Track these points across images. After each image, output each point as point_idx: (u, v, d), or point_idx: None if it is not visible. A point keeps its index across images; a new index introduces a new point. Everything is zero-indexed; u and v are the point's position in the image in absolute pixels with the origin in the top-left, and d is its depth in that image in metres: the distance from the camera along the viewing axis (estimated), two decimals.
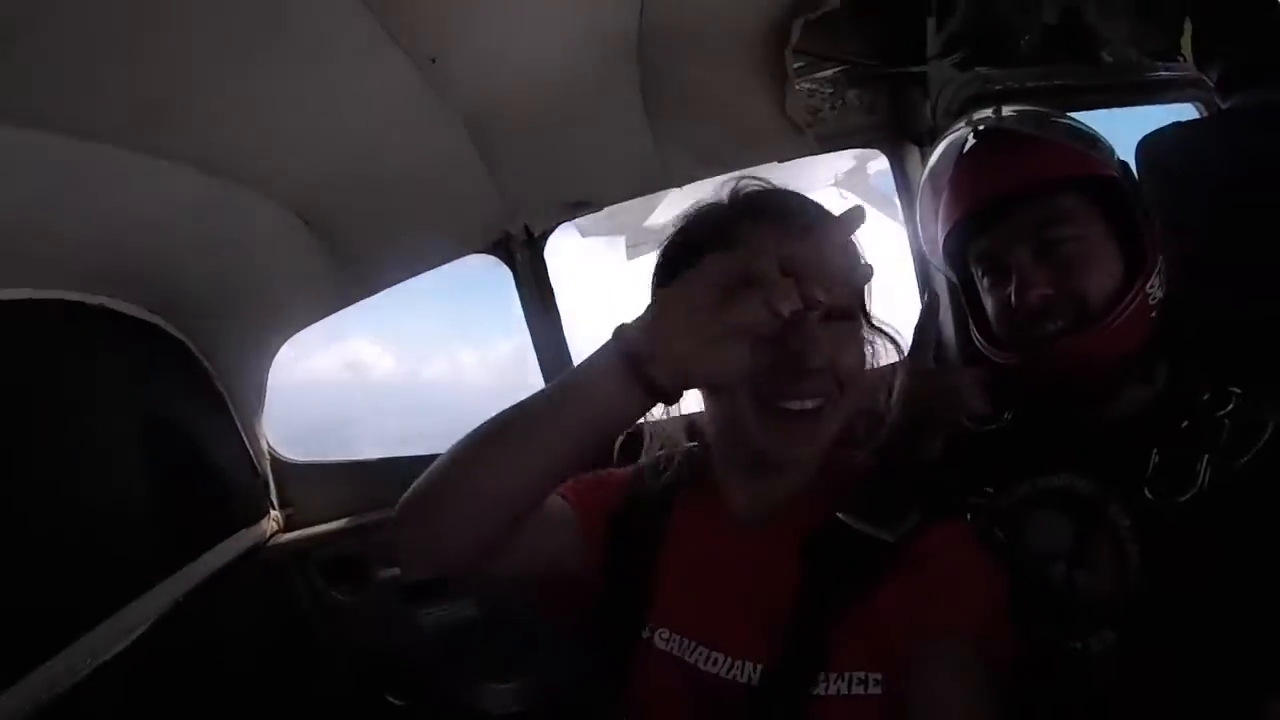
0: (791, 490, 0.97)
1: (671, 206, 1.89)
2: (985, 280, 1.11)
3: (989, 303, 1.12)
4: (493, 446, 0.77)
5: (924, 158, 1.74)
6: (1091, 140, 1.07)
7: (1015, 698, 0.85)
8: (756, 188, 0.99)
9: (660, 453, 1.08)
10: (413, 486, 0.80)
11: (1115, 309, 1.01)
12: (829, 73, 1.75)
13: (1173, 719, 0.94)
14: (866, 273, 0.88)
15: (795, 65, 1.62)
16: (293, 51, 1.02)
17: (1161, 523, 0.98)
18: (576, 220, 1.83)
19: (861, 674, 0.84)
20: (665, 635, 0.96)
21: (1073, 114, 1.12)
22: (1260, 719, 0.82)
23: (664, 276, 0.99)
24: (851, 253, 0.90)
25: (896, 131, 1.80)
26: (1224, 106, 1.64)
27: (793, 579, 0.89)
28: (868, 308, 0.99)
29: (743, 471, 0.99)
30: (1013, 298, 1.04)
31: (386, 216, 1.58)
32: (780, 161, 1.73)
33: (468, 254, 1.71)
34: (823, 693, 0.84)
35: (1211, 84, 1.69)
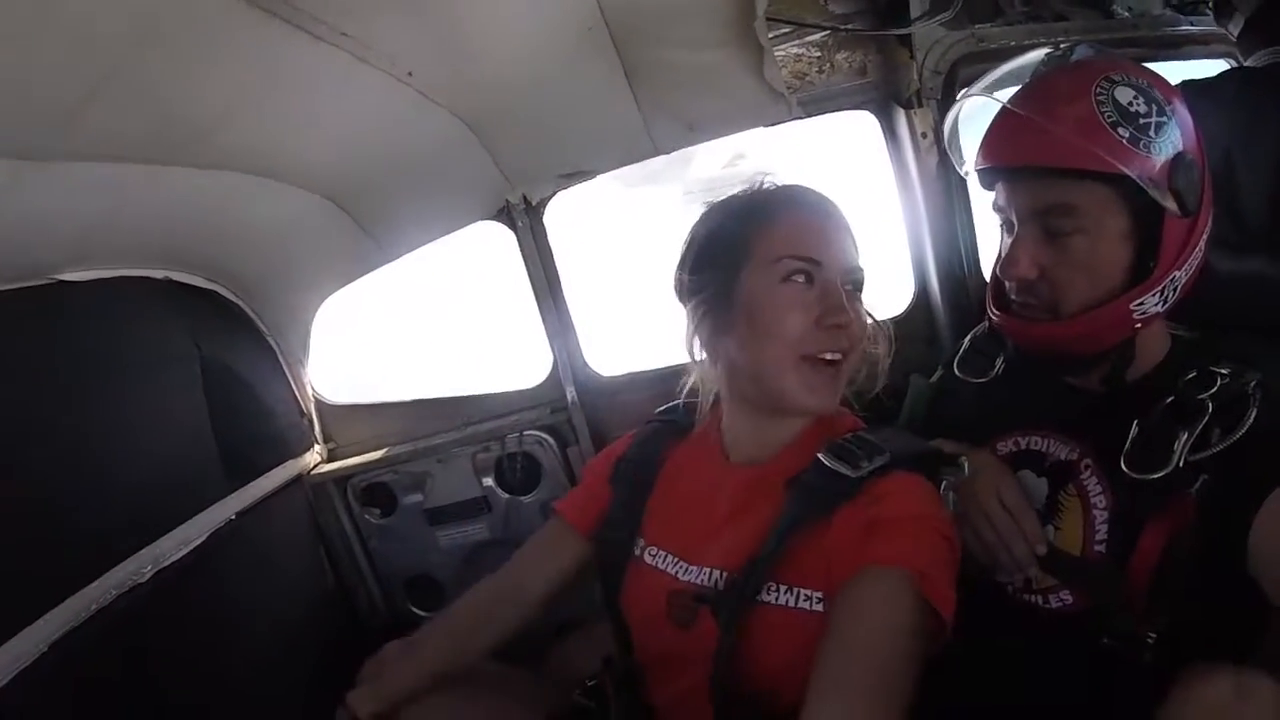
0: (788, 437, 1.12)
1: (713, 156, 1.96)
2: (1002, 229, 1.13)
3: (999, 248, 1.15)
4: None
5: (911, 121, 1.75)
6: (1142, 129, 0.98)
7: (972, 645, 0.93)
8: (779, 181, 1.15)
9: (676, 402, 1.27)
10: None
11: (1087, 314, 1.03)
12: (816, 37, 1.76)
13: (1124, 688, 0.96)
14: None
15: (774, 34, 1.65)
16: (300, 77, 1.20)
17: (1133, 496, 1.00)
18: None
19: (807, 591, 0.98)
20: (653, 551, 1.15)
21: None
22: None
23: (715, 253, 1.13)
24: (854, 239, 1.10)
25: (886, 94, 1.79)
26: (1244, 64, 1.56)
27: (772, 509, 1.03)
28: None
29: (750, 419, 1.15)
30: (1000, 265, 1.09)
31: (400, 194, 1.77)
32: (766, 127, 1.77)
33: (474, 222, 1.88)
34: (770, 600, 0.99)
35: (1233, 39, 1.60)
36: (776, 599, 0.99)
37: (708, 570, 1.08)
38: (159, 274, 1.67)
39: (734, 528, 1.08)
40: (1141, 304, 1.02)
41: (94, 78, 0.96)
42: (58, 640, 1.25)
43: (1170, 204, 0.98)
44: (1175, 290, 1.04)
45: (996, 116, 1.10)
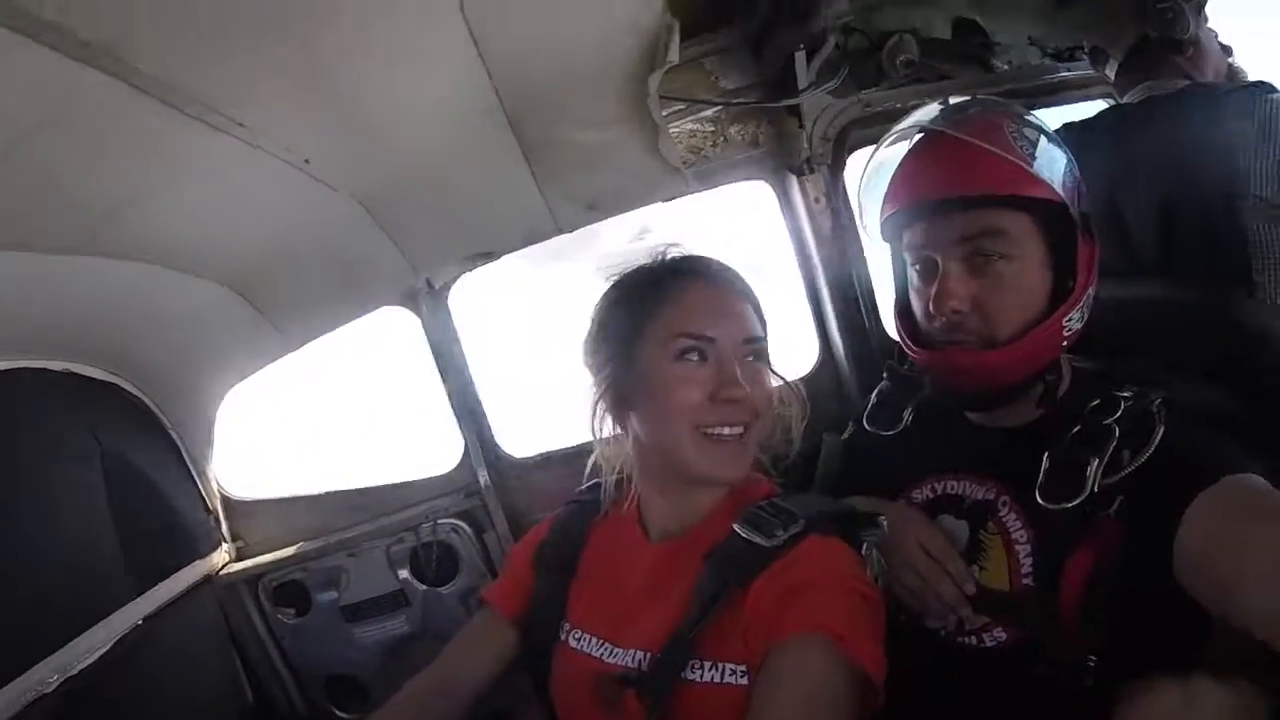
0: (704, 508, 1.11)
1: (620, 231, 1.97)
2: (915, 270, 1.15)
3: (914, 295, 1.16)
4: None
5: (803, 187, 1.77)
6: (1048, 157, 1.06)
7: (911, 693, 0.93)
8: (680, 253, 1.16)
9: (597, 480, 1.25)
10: None
11: (1024, 336, 1.05)
12: (709, 112, 1.80)
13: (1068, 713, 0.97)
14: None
15: (668, 111, 1.69)
16: (195, 166, 1.21)
17: (1052, 526, 1.01)
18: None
19: (732, 665, 0.95)
20: (578, 635, 1.12)
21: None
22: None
23: (610, 335, 1.14)
24: (755, 306, 1.11)
25: (779, 162, 1.82)
26: (1122, 100, 1.60)
27: (691, 584, 1.01)
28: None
29: (665, 492, 1.14)
30: (931, 302, 1.09)
31: (302, 281, 1.77)
32: (664, 202, 1.79)
33: (378, 308, 1.88)
34: (695, 678, 0.96)
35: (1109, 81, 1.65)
36: (701, 676, 0.97)
37: (632, 652, 1.05)
38: (58, 366, 1.63)
39: (654, 606, 1.06)
40: (1070, 320, 1.05)
41: None
42: None
43: (1080, 224, 1.06)
44: (1088, 308, 1.08)
45: (912, 159, 1.14)
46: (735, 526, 1.02)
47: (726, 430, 1.04)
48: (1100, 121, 1.53)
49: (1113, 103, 1.71)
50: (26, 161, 0.99)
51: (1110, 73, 1.62)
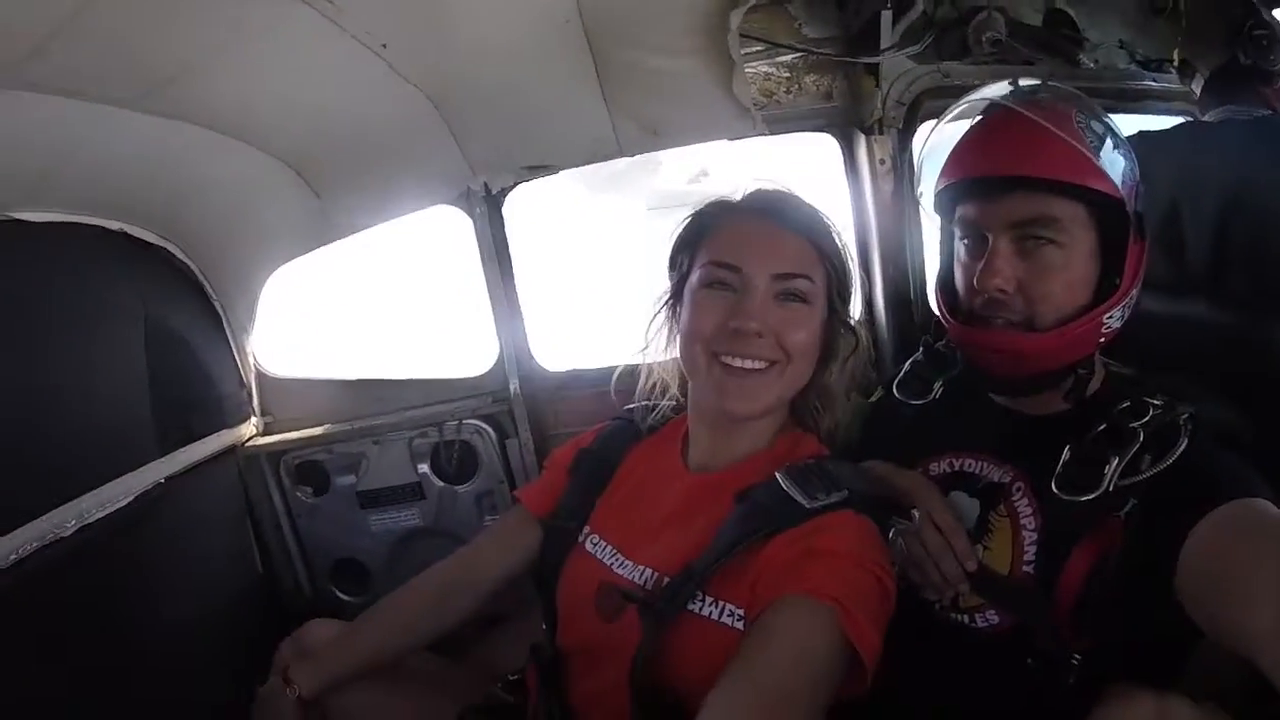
0: (745, 452, 1.13)
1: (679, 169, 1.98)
2: (964, 244, 1.15)
3: (959, 269, 1.16)
4: None
5: (870, 147, 1.78)
6: (1110, 153, 1.05)
7: (899, 662, 0.93)
8: (759, 188, 1.17)
9: (646, 402, 1.30)
10: None
11: (1062, 325, 1.05)
12: (787, 58, 1.79)
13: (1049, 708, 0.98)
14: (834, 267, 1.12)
15: (746, 50, 1.68)
16: (269, 35, 1.20)
17: (1061, 517, 1.02)
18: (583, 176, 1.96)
19: (732, 606, 0.98)
20: (595, 540, 1.16)
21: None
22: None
23: (676, 256, 1.19)
24: (810, 245, 1.10)
25: (849, 119, 1.82)
26: (1202, 118, 1.61)
27: (715, 519, 1.04)
28: (838, 301, 1.15)
29: (704, 425, 1.17)
30: (976, 277, 1.09)
31: (362, 169, 1.77)
32: (730, 140, 1.79)
33: (433, 205, 1.88)
34: (695, 610, 0.99)
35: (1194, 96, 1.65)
36: (700, 609, 0.99)
37: (640, 568, 1.08)
38: (113, 225, 1.64)
39: (674, 531, 1.09)
40: (1110, 317, 1.06)
41: (63, 11, 0.95)
42: None
43: (1135, 224, 1.06)
44: (1130, 309, 1.09)
45: (976, 133, 1.14)
46: (777, 474, 1.03)
47: (739, 361, 1.06)
48: (1175, 135, 1.54)
49: (1191, 119, 1.72)
50: (97, 14, 0.98)
51: (1195, 87, 1.63)
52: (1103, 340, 1.08)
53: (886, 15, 1.61)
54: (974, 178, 1.11)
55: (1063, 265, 1.05)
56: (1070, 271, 1.05)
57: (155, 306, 1.73)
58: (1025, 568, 1.05)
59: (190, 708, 1.62)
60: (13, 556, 1.28)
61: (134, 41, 1.09)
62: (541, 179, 1.88)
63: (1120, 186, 1.04)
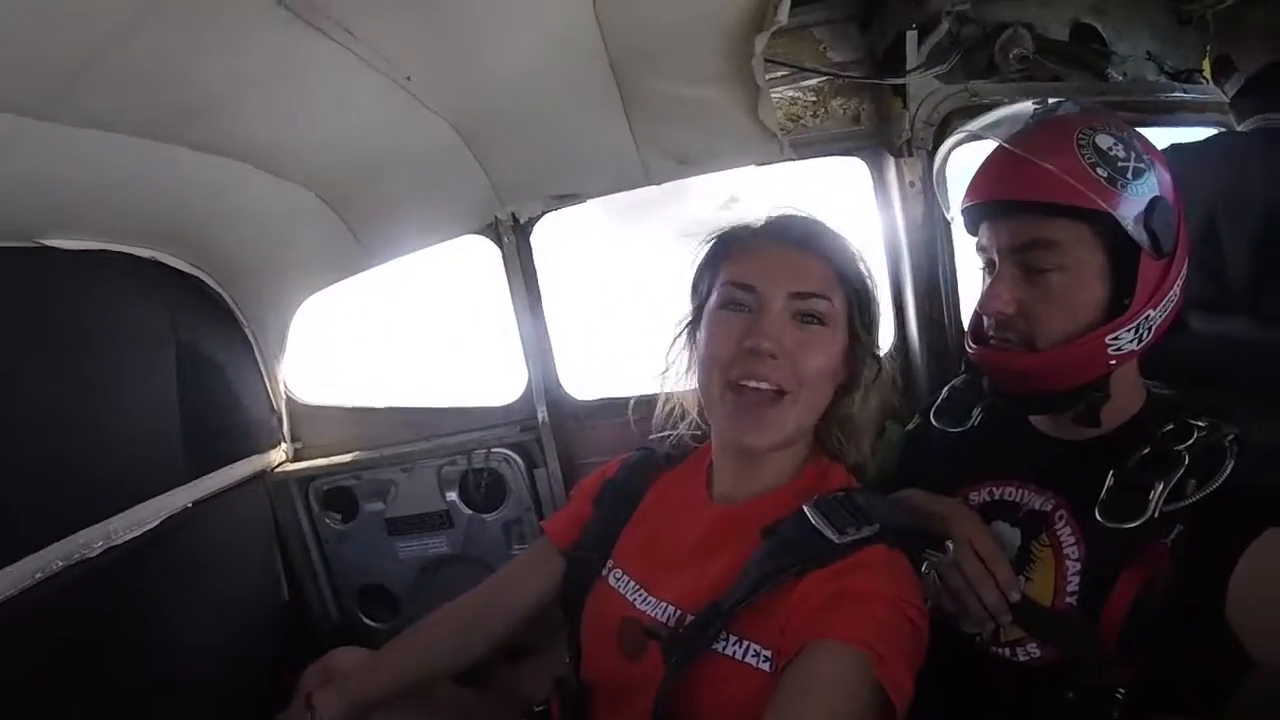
0: (770, 484, 1.10)
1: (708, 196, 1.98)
2: (981, 265, 1.15)
3: (979, 290, 1.15)
4: None
5: (900, 169, 1.76)
6: (1120, 171, 1.01)
7: (937, 697, 0.91)
8: (781, 213, 1.15)
9: (672, 433, 1.28)
10: None
11: (1062, 346, 1.03)
12: (813, 82, 1.79)
13: None
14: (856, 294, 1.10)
15: (771, 75, 1.68)
16: (295, 69, 1.21)
17: (1105, 545, 0.99)
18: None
19: (757, 646, 0.94)
20: (618, 574, 1.14)
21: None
22: None
23: (697, 280, 1.18)
24: (830, 268, 1.08)
25: (878, 142, 1.81)
26: (1238, 128, 1.57)
27: (741, 554, 1.01)
28: (860, 327, 1.11)
29: (727, 457, 1.14)
30: (980, 300, 1.10)
31: (390, 199, 1.79)
32: (757, 165, 1.78)
33: (461, 235, 1.90)
34: (720, 649, 0.95)
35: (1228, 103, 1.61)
36: (725, 648, 0.96)
37: (663, 605, 1.06)
38: (145, 253, 1.67)
39: (697, 566, 1.06)
40: (1117, 339, 1.02)
41: (96, 45, 0.97)
42: None
43: (1145, 241, 1.00)
44: (1150, 330, 1.04)
45: (987, 158, 1.13)
46: (805, 509, 1.00)
47: (751, 383, 1.03)
48: (1210, 146, 1.50)
49: (1224, 130, 1.68)
50: (132, 48, 1.00)
51: (1230, 91, 1.59)
52: (1114, 363, 1.04)
53: (912, 36, 1.62)
54: (974, 204, 1.12)
55: (1065, 289, 1.03)
56: (1073, 294, 1.03)
57: (187, 333, 1.77)
58: (1069, 599, 1.02)
59: None
60: (40, 574, 1.30)
61: (164, 75, 1.11)
62: (569, 208, 1.89)
63: (1125, 202, 0.99)
